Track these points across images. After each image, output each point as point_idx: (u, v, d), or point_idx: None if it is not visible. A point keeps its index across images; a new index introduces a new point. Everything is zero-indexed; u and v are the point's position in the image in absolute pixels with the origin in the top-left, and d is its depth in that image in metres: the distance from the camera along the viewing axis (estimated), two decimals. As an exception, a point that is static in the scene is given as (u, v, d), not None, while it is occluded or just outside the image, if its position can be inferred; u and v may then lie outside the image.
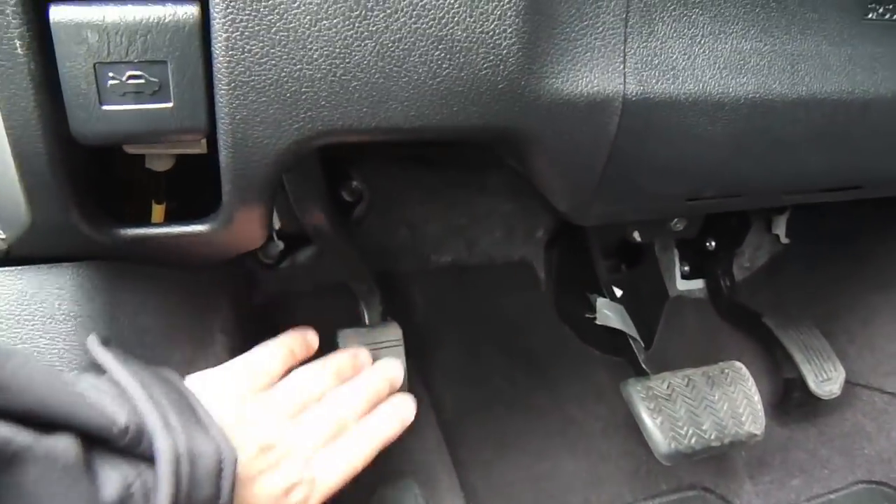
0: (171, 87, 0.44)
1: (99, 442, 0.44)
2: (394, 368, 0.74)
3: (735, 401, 0.98)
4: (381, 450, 0.80)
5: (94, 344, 0.52)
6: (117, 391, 0.47)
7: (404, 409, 0.72)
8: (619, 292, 1.14)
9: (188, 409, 0.50)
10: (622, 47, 0.53)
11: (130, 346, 0.58)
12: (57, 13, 0.41)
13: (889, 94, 0.64)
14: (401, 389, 0.78)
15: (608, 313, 1.05)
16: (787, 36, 0.59)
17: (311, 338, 0.71)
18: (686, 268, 1.38)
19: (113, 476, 0.43)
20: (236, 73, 0.44)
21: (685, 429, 0.94)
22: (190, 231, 0.53)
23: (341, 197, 1.00)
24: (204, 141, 0.51)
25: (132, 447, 0.44)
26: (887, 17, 0.62)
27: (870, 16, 0.62)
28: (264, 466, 0.59)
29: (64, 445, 0.41)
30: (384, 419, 0.70)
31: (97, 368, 0.51)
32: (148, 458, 0.45)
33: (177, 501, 0.44)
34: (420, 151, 1.07)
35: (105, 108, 0.44)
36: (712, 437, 0.95)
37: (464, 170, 1.18)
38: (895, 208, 1.18)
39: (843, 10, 0.60)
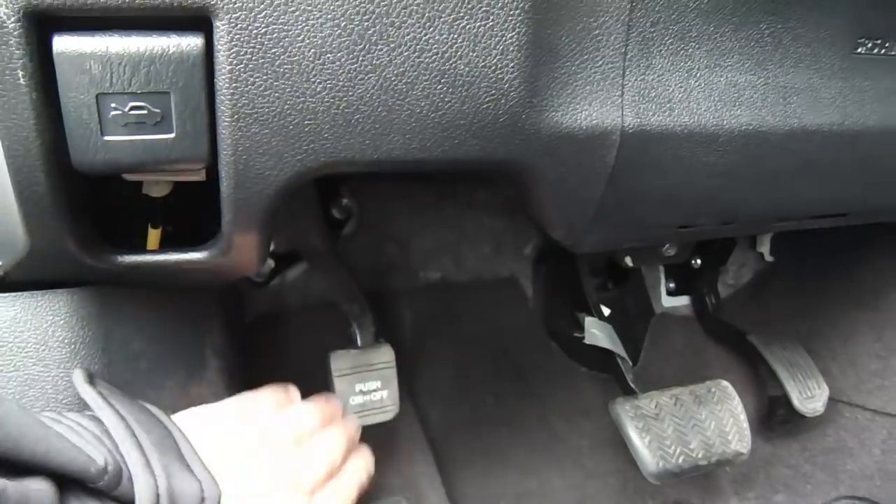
0: (174, 118, 0.44)
1: (77, 483, 0.43)
2: (355, 420, 0.77)
3: (722, 420, 0.99)
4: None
5: (79, 380, 0.52)
6: (100, 430, 0.47)
7: (370, 460, 0.75)
8: (606, 311, 1.14)
9: (172, 446, 0.50)
10: (621, 80, 0.53)
11: (124, 373, 0.59)
12: (60, 43, 0.41)
13: (877, 126, 0.65)
14: (392, 408, 0.80)
15: (596, 332, 1.05)
16: (780, 70, 0.60)
17: (292, 391, 0.72)
18: (671, 285, 1.40)
19: None
20: (240, 104, 0.44)
21: (673, 448, 0.94)
22: (188, 259, 0.53)
23: (331, 214, 1.00)
24: (203, 169, 0.51)
25: (110, 488, 0.44)
26: (875, 52, 0.64)
27: (859, 50, 0.63)
28: (262, 494, 0.59)
29: (38, 487, 0.40)
30: (362, 465, 0.73)
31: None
32: (127, 501, 0.45)
33: None
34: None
35: (107, 138, 0.44)
36: (700, 455, 0.95)
37: (452, 185, 1.19)
38: (876, 228, 1.20)
39: (834, 45, 0.61)
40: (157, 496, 0.45)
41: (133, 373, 0.59)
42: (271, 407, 0.67)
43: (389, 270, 1.15)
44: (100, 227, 0.53)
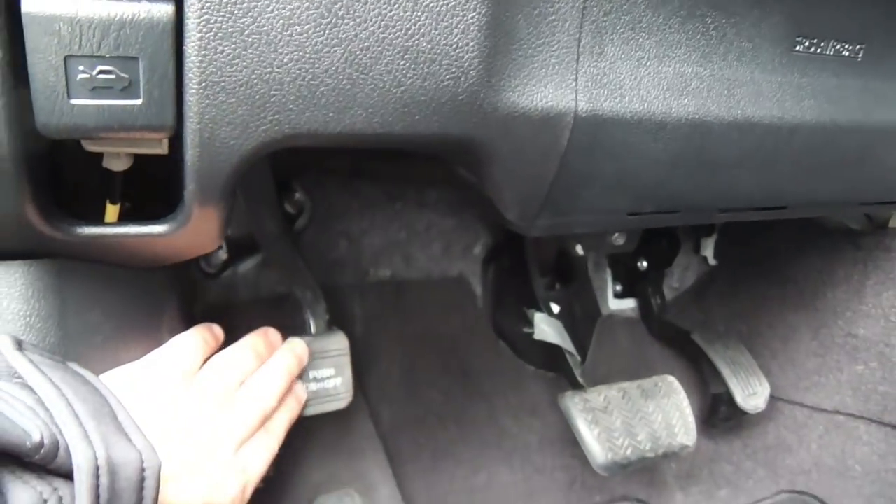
0: (142, 84, 0.45)
1: (12, 458, 0.42)
2: (300, 345, 0.79)
3: (668, 413, 1.02)
4: (321, 459, 0.83)
5: (7, 348, 0.49)
6: (33, 399, 0.46)
7: (302, 392, 0.79)
8: (556, 308, 1.17)
9: (109, 414, 0.49)
10: (575, 66, 0.55)
11: (79, 346, 0.58)
12: (29, 4, 0.41)
13: (813, 120, 0.69)
14: (346, 395, 0.81)
15: (546, 328, 1.07)
16: (724, 62, 0.63)
17: (216, 330, 0.72)
18: (618, 288, 1.43)
19: (24, 494, 0.42)
20: (207, 73, 0.45)
21: (621, 440, 0.97)
22: (148, 231, 0.53)
23: (284, 209, 1.01)
24: (166, 142, 0.52)
25: (47, 461, 0.43)
26: (812, 49, 0.67)
27: (797, 48, 0.66)
28: (195, 460, 0.60)
29: None
30: (294, 403, 0.76)
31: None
32: (65, 472, 0.44)
33: None
34: (361, 165, 1.08)
35: (73, 101, 0.44)
36: (647, 448, 0.98)
37: (404, 184, 1.20)
38: (813, 234, 1.25)
39: (775, 42, 0.65)
40: (97, 467, 0.44)
41: (89, 346, 0.59)
42: (196, 355, 0.67)
43: (340, 266, 1.16)
44: (59, 201, 0.53)
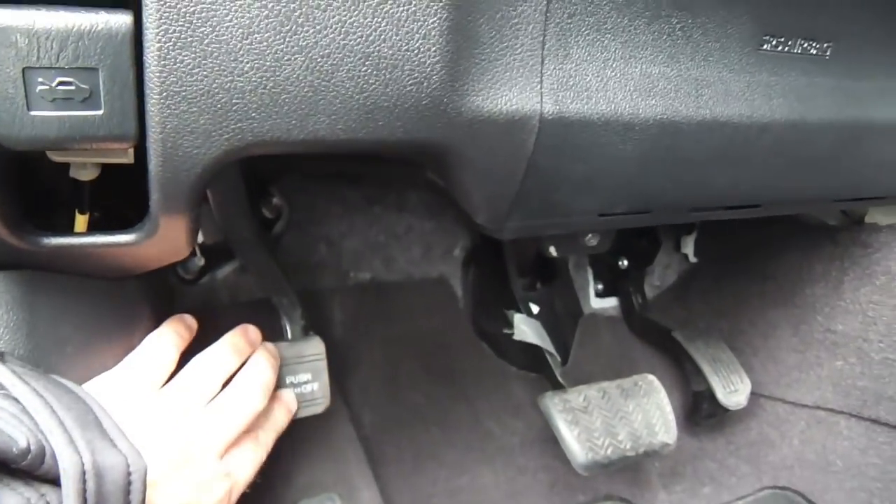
0: (102, 95, 0.45)
1: None
2: (271, 346, 0.78)
3: (648, 412, 1.02)
4: (302, 463, 0.83)
5: None
6: (17, 409, 0.46)
7: (292, 401, 0.79)
8: (535, 309, 1.17)
9: (93, 421, 0.50)
10: (539, 68, 0.56)
11: (50, 357, 0.58)
12: (-15, 16, 0.41)
13: (782, 119, 0.69)
14: (323, 401, 0.81)
15: (525, 329, 1.07)
16: (691, 63, 0.63)
17: (189, 320, 0.73)
18: (600, 286, 1.43)
19: (11, 500, 0.42)
20: (168, 82, 0.44)
21: (601, 439, 0.97)
22: (115, 241, 0.53)
23: (261, 213, 1.01)
24: (131, 151, 0.51)
25: (33, 467, 0.43)
26: (780, 48, 0.67)
27: (765, 47, 0.66)
28: (181, 463, 0.60)
29: None
30: (283, 413, 0.76)
31: None
32: (52, 478, 0.44)
33: None
34: (339, 168, 1.08)
35: (33, 113, 0.44)
36: (627, 447, 0.98)
37: (383, 188, 1.20)
38: (791, 229, 1.26)
39: (742, 42, 0.65)
40: (84, 472, 0.44)
41: (60, 357, 0.58)
42: (171, 352, 0.67)
43: (320, 270, 1.16)
44: (26, 212, 0.53)
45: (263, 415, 0.71)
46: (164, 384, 0.65)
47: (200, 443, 0.62)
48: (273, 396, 0.74)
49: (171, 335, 0.68)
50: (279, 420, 0.75)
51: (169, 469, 0.59)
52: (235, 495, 0.67)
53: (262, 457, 0.71)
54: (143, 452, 0.50)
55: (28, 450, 0.43)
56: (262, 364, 0.73)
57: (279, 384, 0.80)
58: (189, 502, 0.60)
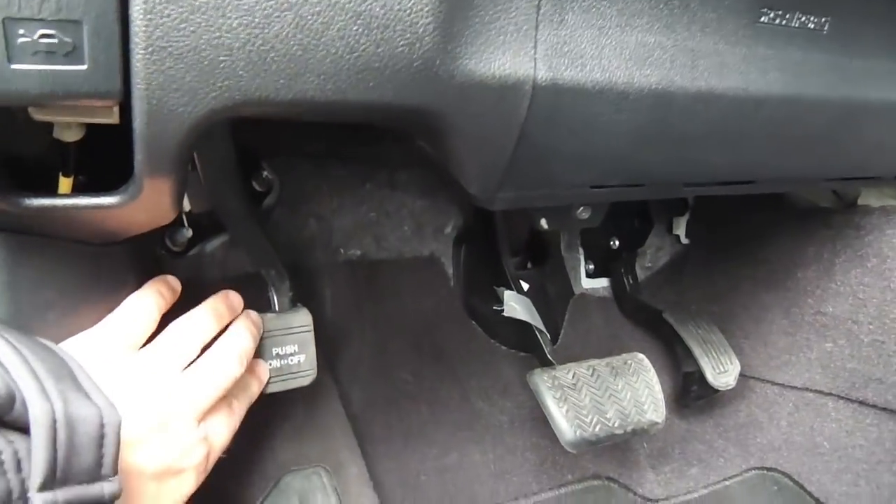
0: (86, 49, 0.43)
1: None
2: (254, 314, 0.78)
3: (637, 390, 1.02)
4: (289, 439, 0.82)
5: None
6: None
7: (264, 372, 0.79)
8: (526, 287, 1.16)
9: (68, 374, 0.49)
10: (534, 33, 0.55)
11: (31, 320, 0.57)
12: (-37, -36, 0.40)
13: (779, 94, 0.68)
14: (310, 373, 0.81)
15: (515, 305, 1.07)
16: (688, 33, 0.62)
17: (172, 281, 0.72)
18: (591, 267, 1.43)
19: None
20: (154, 37, 0.43)
21: (590, 417, 0.96)
22: (99, 203, 0.52)
23: (252, 187, 0.99)
24: (116, 110, 0.50)
25: (1, 413, 0.42)
26: (777, 21, 0.67)
27: (762, 19, 0.66)
28: (157, 424, 0.59)
29: None
30: (255, 384, 0.76)
31: None
32: (21, 427, 0.43)
33: (54, 469, 0.43)
34: (331, 147, 1.07)
35: (14, 66, 0.42)
36: (615, 424, 0.98)
37: (374, 165, 1.19)
38: (784, 213, 1.26)
39: (739, 13, 0.64)
40: (54, 421, 0.43)
41: (42, 322, 0.57)
42: (152, 313, 0.66)
43: (309, 246, 1.15)
44: (11, 175, 0.52)
45: (238, 383, 0.70)
46: (143, 346, 0.64)
47: (177, 406, 0.61)
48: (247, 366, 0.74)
49: (152, 296, 0.67)
50: (252, 390, 0.75)
51: (146, 430, 0.58)
52: (212, 461, 0.67)
53: (236, 424, 0.70)
54: (118, 410, 0.48)
55: None
56: (242, 331, 0.72)
57: (265, 355, 0.80)
58: (168, 465, 0.60)
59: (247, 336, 0.72)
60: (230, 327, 0.72)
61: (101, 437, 0.46)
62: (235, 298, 0.76)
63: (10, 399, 0.42)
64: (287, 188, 1.06)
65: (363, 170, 1.18)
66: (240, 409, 0.72)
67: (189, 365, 0.66)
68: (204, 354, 0.67)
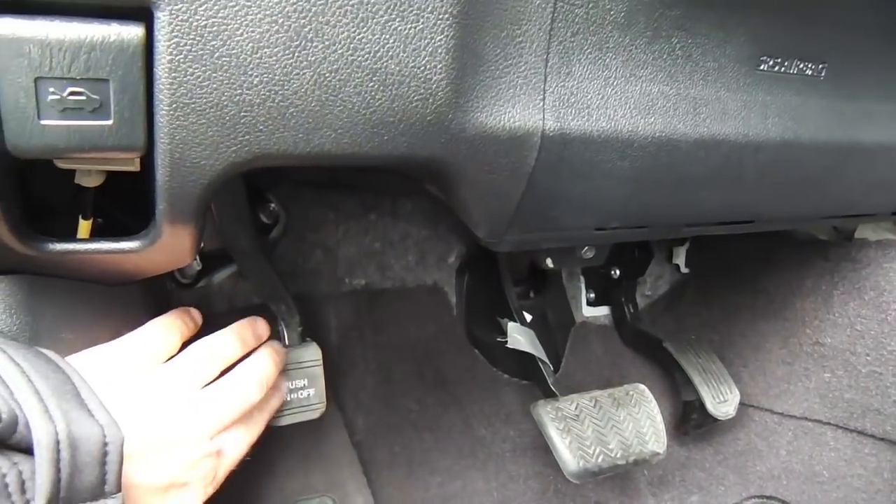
0: (112, 105, 0.45)
1: None
2: (277, 345, 0.78)
3: (639, 421, 1.03)
4: (295, 469, 0.83)
5: None
6: None
7: (283, 387, 0.81)
8: (528, 317, 1.18)
9: (71, 391, 0.49)
10: (542, 86, 0.56)
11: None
12: (-1, 26, 0.42)
13: (778, 138, 0.70)
14: (319, 406, 0.82)
15: (518, 337, 1.08)
16: (690, 82, 0.64)
17: (195, 314, 0.72)
18: (592, 295, 1.45)
19: None
20: (178, 94, 0.45)
21: (593, 448, 0.98)
22: (119, 248, 0.54)
23: (259, 219, 1.01)
24: (138, 160, 0.52)
25: (5, 436, 0.43)
26: (776, 69, 0.69)
27: (762, 67, 0.68)
28: (163, 441, 0.59)
29: None
30: (277, 398, 0.77)
31: None
32: (25, 448, 0.43)
33: (57, 489, 0.43)
34: (336, 176, 1.09)
35: (44, 122, 0.44)
36: (618, 455, 0.99)
37: (378, 195, 1.21)
38: (781, 243, 1.27)
39: (739, 62, 0.66)
40: (57, 442, 0.44)
41: (60, 362, 0.59)
42: (171, 338, 0.66)
43: (314, 275, 1.16)
44: (31, 217, 0.53)
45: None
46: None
47: (189, 424, 0.61)
48: None
49: (175, 321, 0.67)
50: (272, 403, 0.76)
51: (151, 445, 0.58)
52: (223, 472, 0.66)
53: (255, 436, 0.70)
54: (123, 425, 0.49)
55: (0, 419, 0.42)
56: (265, 358, 0.72)
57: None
58: (172, 478, 0.59)
59: (269, 363, 0.72)
60: (254, 353, 0.72)
61: (104, 454, 0.47)
62: (262, 326, 0.77)
63: (13, 422, 0.43)
64: (292, 218, 1.08)
65: (367, 199, 1.20)
66: (260, 420, 0.72)
67: (207, 385, 0.66)
68: (225, 376, 0.67)
